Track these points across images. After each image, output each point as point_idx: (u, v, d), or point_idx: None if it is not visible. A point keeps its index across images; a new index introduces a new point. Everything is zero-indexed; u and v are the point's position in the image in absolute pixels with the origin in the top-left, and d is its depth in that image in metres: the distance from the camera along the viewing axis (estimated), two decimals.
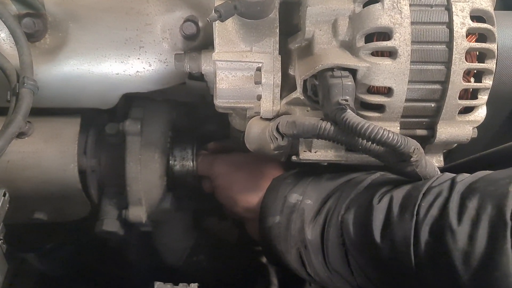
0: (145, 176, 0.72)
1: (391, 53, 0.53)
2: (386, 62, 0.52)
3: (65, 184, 0.70)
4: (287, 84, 0.59)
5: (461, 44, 0.52)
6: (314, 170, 0.65)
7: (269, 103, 0.59)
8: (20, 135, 0.68)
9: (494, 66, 0.54)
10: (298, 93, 0.57)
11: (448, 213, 0.46)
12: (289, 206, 0.62)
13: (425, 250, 0.47)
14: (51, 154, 0.70)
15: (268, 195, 0.65)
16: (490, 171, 0.50)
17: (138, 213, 0.74)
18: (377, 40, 0.53)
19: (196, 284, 0.49)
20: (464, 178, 0.50)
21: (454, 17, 0.52)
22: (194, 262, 0.89)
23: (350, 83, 0.51)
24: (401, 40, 0.52)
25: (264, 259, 0.95)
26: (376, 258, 0.52)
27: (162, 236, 0.86)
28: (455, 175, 0.51)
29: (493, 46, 0.54)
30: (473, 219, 0.44)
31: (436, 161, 0.62)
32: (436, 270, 0.46)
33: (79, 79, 0.65)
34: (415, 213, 0.48)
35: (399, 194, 0.52)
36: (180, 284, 0.49)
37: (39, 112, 0.68)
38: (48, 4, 0.64)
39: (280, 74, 0.57)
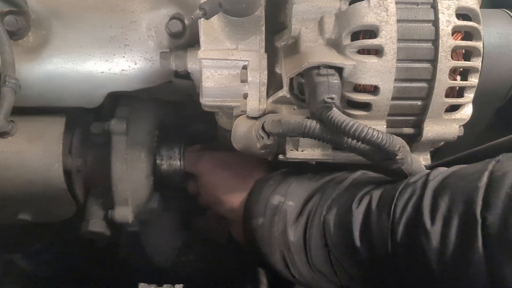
0: (131, 175, 0.71)
1: (377, 51, 0.52)
2: (372, 60, 0.52)
3: (50, 184, 0.69)
4: (273, 83, 0.59)
5: (447, 42, 0.52)
6: (298, 170, 0.64)
7: (255, 102, 0.58)
8: (3, 134, 0.67)
9: (480, 64, 0.54)
10: (284, 92, 0.56)
11: (422, 212, 0.46)
12: (271, 208, 0.61)
13: (402, 249, 0.47)
14: (35, 154, 0.68)
15: (251, 196, 0.65)
16: (464, 165, 0.50)
17: (124, 213, 0.73)
18: (363, 38, 0.53)
19: (181, 285, 0.49)
20: (438, 175, 0.49)
21: (440, 15, 0.52)
22: (183, 262, 0.88)
23: (336, 81, 0.51)
24: (387, 38, 0.52)
25: None
26: (357, 259, 0.51)
27: (150, 236, 0.85)
28: (429, 171, 0.51)
29: (479, 44, 0.54)
30: (445, 217, 0.44)
31: (423, 160, 0.61)
32: (413, 270, 0.46)
33: (63, 78, 0.64)
34: (391, 212, 0.48)
35: (377, 194, 0.52)
36: (165, 286, 0.48)
37: (23, 111, 0.67)
38: (30, 1, 0.63)
39: (266, 72, 0.57)
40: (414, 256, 0.46)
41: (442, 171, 0.50)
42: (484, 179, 0.43)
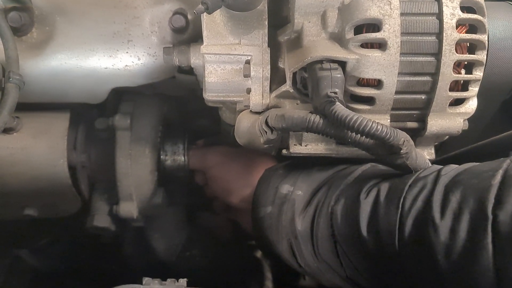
0: (136, 171, 0.72)
1: (381, 45, 0.52)
2: (375, 54, 0.52)
3: (55, 180, 0.70)
4: (276, 77, 0.59)
5: (451, 35, 0.52)
6: (306, 161, 0.65)
7: (258, 96, 0.58)
8: (8, 130, 0.67)
9: (485, 57, 0.54)
10: (287, 86, 0.56)
11: (432, 206, 0.46)
12: (280, 197, 0.62)
13: (409, 243, 0.47)
14: (40, 150, 0.69)
15: (260, 185, 0.65)
16: (477, 163, 0.50)
17: (129, 208, 0.73)
18: (366, 32, 0.53)
19: (185, 279, 0.49)
20: (450, 171, 0.49)
21: (444, 8, 0.52)
22: (187, 257, 0.88)
23: (339, 75, 0.51)
24: (391, 32, 0.51)
25: (258, 254, 0.95)
26: (363, 250, 0.51)
27: (154, 231, 0.85)
28: (441, 167, 0.51)
29: (483, 37, 0.53)
30: (455, 213, 0.44)
31: (427, 154, 0.61)
32: (419, 263, 0.46)
33: (67, 74, 0.65)
34: (400, 205, 0.48)
35: (386, 186, 0.52)
36: (168, 280, 0.48)
37: (27, 107, 0.67)
38: None
39: (269, 67, 0.57)
40: (421, 249, 0.45)
41: (454, 167, 0.50)
42: (498, 177, 0.43)
